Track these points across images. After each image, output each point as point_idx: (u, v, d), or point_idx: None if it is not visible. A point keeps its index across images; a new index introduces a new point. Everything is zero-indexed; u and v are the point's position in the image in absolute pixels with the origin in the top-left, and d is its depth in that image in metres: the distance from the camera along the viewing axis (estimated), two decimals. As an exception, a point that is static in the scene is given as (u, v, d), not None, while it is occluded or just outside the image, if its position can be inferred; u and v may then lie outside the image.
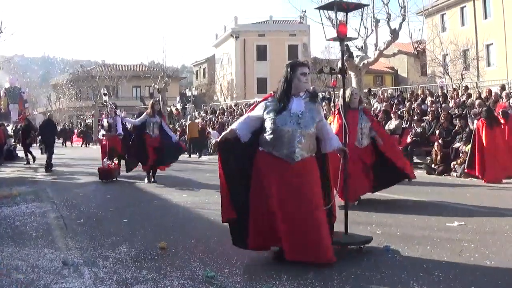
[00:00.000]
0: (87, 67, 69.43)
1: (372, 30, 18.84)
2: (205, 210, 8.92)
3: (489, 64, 35.79)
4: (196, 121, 29.16)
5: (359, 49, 19.38)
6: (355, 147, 8.85)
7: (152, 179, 13.26)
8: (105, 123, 15.59)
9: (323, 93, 16.88)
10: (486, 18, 36.38)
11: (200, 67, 67.12)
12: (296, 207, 5.31)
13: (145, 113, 13.71)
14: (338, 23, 6.24)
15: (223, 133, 5.85)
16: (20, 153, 27.24)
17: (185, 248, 6.11)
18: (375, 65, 21.64)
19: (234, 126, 5.77)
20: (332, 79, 15.83)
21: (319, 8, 8.50)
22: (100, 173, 13.82)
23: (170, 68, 48.26)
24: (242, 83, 52.04)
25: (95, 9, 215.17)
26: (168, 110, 40.49)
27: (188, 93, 55.03)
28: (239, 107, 33.46)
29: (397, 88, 29.37)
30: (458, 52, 34.61)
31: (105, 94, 16.66)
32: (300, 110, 5.53)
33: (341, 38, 6.29)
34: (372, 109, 21.18)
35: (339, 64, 6.65)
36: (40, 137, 25.03)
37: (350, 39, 7.76)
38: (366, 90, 24.22)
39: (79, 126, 47.36)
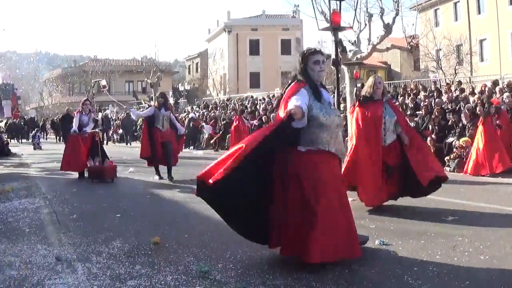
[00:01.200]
0: (80, 62, 69.32)
1: (366, 25, 18.81)
2: (199, 205, 8.85)
3: (482, 59, 35.86)
4: (190, 115, 29.24)
5: (352, 44, 19.37)
6: (377, 145, 7.81)
7: (169, 177, 12.43)
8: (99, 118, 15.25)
9: None
10: (479, 13, 36.44)
11: (192, 61, 66.99)
12: (345, 204, 5.14)
13: (152, 106, 13.26)
14: (331, 11, 6.15)
15: (286, 115, 4.92)
16: (13, 148, 27.21)
17: (178, 243, 6.10)
18: (368, 60, 21.60)
19: (296, 103, 4.96)
20: (355, 71, 15.40)
21: None
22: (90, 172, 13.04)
23: (162, 62, 48.33)
24: (235, 77, 52.02)
25: (87, 4, 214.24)
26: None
27: (181, 88, 54.87)
28: (232, 101, 33.42)
29: (390, 83, 29.39)
30: (451, 47, 34.66)
31: (104, 86, 16.47)
32: (330, 100, 5.28)
33: (335, 27, 6.17)
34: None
35: (333, 56, 6.49)
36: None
37: (344, 28, 7.64)
38: (359, 85, 24.25)
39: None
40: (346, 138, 10.88)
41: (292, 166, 5.04)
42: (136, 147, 25.48)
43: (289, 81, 5.41)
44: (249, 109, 27.39)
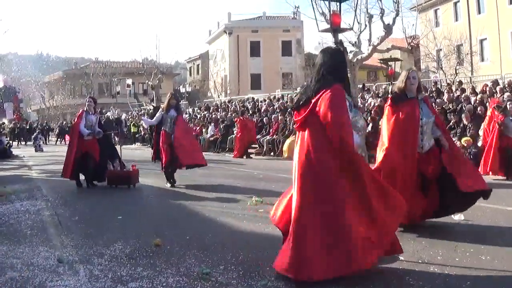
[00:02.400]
0: (81, 64, 69.39)
1: (366, 26, 18.84)
2: (200, 207, 8.92)
3: (482, 59, 35.86)
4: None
5: (352, 45, 19.37)
6: (412, 151, 6.62)
7: (171, 181, 11.91)
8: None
9: None
10: (479, 13, 36.44)
11: (193, 63, 67.00)
12: None
13: (160, 110, 12.56)
14: (331, 13, 6.05)
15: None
16: (15, 151, 27.24)
17: (180, 245, 6.10)
18: (368, 61, 21.65)
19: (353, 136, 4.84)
20: (389, 68, 14.69)
21: None
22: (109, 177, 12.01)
23: (163, 64, 48.31)
24: (235, 79, 52.03)
25: (88, 6, 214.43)
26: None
27: (182, 90, 54.89)
28: (233, 103, 33.44)
29: (391, 83, 29.42)
30: (451, 47, 34.66)
31: (128, 86, 15.93)
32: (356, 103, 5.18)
33: (334, 28, 6.04)
34: (366, 104, 21.19)
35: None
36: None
37: (344, 29, 7.25)
38: (360, 86, 24.24)
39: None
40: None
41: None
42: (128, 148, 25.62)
43: (319, 79, 5.02)
44: (250, 111, 27.42)
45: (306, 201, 4.76)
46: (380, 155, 6.74)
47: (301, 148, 4.94)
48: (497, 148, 12.44)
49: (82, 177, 12.18)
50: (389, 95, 7.63)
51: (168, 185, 11.77)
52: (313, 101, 4.91)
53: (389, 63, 14.35)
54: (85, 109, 12.39)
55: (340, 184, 4.72)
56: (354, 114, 4.85)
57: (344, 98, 4.85)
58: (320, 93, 4.88)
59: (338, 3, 6.09)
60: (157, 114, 12.32)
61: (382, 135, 6.87)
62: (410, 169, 6.57)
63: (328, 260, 4.59)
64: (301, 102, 5.08)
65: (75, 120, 12.65)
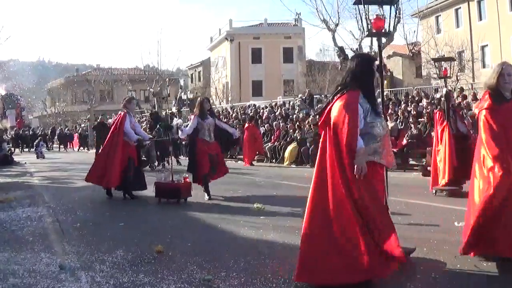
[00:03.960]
0: (82, 71, 69.49)
1: (367, 32, 18.88)
2: (201, 214, 8.92)
3: (484, 66, 35.86)
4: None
5: (354, 52, 19.43)
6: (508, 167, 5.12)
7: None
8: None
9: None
10: (480, 19, 36.47)
11: (195, 70, 67.04)
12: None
13: (193, 116, 11.03)
14: (369, 17, 5.83)
15: (362, 164, 4.69)
16: (17, 157, 27.26)
17: (181, 252, 6.11)
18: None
19: (359, 143, 4.71)
20: (443, 68, 12.40)
21: (355, 3, 7.20)
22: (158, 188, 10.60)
23: (165, 71, 48.28)
24: (237, 86, 52.06)
25: (89, 13, 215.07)
26: (164, 114, 40.54)
27: (184, 97, 54.96)
28: (235, 110, 33.45)
29: (392, 90, 29.43)
30: (453, 54, 34.65)
31: (181, 87, 15.01)
32: (379, 110, 5.06)
33: (377, 32, 5.81)
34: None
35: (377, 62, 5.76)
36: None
37: (387, 34, 6.65)
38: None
39: (81, 130, 46.85)
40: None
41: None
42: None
43: (338, 88, 5.06)
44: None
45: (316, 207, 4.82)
46: (481, 178, 5.38)
47: (321, 151, 4.96)
48: None
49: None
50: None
51: (207, 197, 10.63)
52: (329, 107, 4.98)
53: (443, 63, 13.31)
54: (126, 111, 11.17)
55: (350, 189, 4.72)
56: (371, 119, 4.80)
57: (354, 103, 4.80)
58: (336, 99, 4.93)
59: (380, 7, 5.78)
60: (192, 122, 10.90)
61: (483, 148, 5.38)
62: (505, 192, 5.10)
63: (332, 265, 4.62)
64: (322, 109, 5.18)
65: (117, 123, 11.14)
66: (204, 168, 10.57)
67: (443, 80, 10.78)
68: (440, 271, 5.07)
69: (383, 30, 5.76)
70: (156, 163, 18.45)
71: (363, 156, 4.66)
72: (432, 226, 7.22)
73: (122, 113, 11.20)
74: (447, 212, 8.35)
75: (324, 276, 4.64)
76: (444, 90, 10.38)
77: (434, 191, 10.54)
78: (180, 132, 11.22)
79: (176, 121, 13.54)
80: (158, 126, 18.76)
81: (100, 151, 10.81)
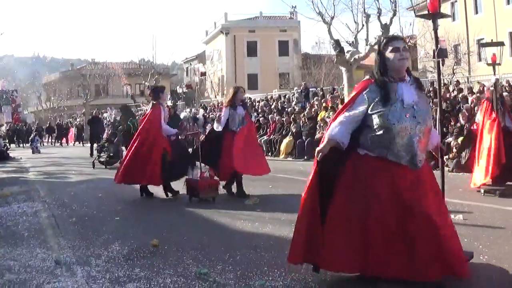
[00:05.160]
0: (77, 65, 69.35)
1: (363, 25, 18.88)
2: (197, 208, 8.90)
3: (480, 59, 35.90)
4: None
5: (350, 44, 19.41)
6: None
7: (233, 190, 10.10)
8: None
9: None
10: (477, 13, 36.47)
11: (190, 64, 66.97)
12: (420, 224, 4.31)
13: (224, 107, 10.20)
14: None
15: (320, 148, 4.54)
16: (13, 153, 27.18)
17: (177, 246, 6.10)
18: (366, 60, 21.68)
19: (332, 133, 4.56)
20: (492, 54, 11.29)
21: None
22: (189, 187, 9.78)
23: (160, 65, 48.26)
24: (232, 79, 51.96)
25: (84, 7, 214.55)
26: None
27: (179, 90, 54.86)
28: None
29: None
30: (449, 47, 34.70)
31: (202, 73, 14.20)
32: (413, 99, 4.47)
33: (433, 14, 5.52)
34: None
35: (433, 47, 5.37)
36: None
37: (444, 15, 6.27)
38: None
39: (76, 124, 46.66)
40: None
41: (353, 168, 4.57)
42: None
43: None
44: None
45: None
46: None
47: None
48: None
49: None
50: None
51: (247, 201, 9.34)
52: None
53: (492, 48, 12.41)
54: (160, 102, 10.26)
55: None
56: (374, 110, 4.46)
57: (358, 91, 4.63)
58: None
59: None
60: (224, 112, 10.05)
61: None
62: None
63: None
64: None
65: (150, 116, 10.21)
66: (235, 161, 9.64)
67: (491, 67, 9.94)
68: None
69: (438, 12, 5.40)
70: None
71: (324, 144, 4.52)
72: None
73: (155, 105, 10.22)
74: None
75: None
76: (493, 78, 9.89)
77: (482, 191, 9.63)
78: (216, 124, 10.12)
79: (200, 113, 12.92)
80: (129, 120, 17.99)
81: (132, 147, 10.13)
